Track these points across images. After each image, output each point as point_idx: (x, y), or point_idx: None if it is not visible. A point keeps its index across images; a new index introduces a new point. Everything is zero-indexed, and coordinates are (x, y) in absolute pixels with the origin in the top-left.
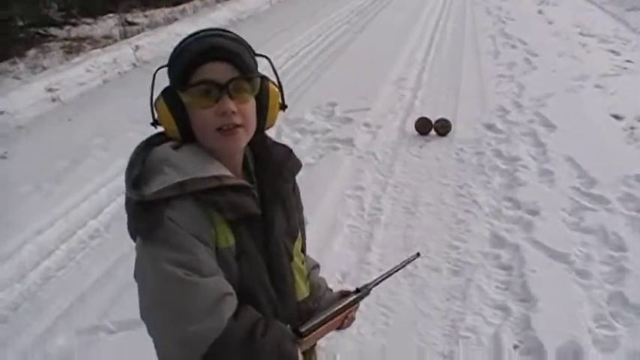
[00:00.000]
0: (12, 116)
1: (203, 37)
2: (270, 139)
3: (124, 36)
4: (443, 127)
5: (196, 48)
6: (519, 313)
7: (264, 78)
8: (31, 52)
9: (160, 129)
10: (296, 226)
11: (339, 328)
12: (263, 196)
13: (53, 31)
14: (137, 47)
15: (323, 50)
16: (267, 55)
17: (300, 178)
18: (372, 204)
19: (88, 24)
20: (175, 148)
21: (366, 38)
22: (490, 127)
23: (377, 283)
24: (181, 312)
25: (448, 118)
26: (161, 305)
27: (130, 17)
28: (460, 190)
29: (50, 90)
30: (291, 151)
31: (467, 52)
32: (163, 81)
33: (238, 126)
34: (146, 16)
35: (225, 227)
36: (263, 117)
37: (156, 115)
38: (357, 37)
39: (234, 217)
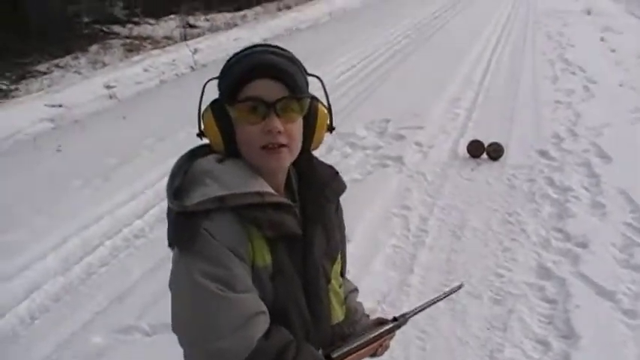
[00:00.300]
0: (69, 110)
1: (255, 53)
2: (317, 159)
3: (184, 38)
4: (495, 152)
5: (248, 63)
6: (560, 349)
7: (313, 98)
8: (94, 47)
9: (206, 140)
10: (336, 248)
11: (373, 355)
12: (304, 216)
13: (116, 28)
14: (196, 50)
15: (380, 65)
16: (322, 71)
17: (345, 193)
18: (418, 225)
19: (150, 24)
20: (219, 161)
21: (425, 55)
22: (543, 154)
23: (416, 313)
24: (211, 327)
25: (501, 142)
26: (192, 318)
27: (191, 20)
28: (509, 217)
29: (108, 87)
30: (337, 172)
31: (525, 76)
32: (214, 92)
33: (283, 145)
34: (207, 20)
35: (262, 245)
36: (309, 137)
37: (202, 127)
38: (416, 53)
39: (273, 235)
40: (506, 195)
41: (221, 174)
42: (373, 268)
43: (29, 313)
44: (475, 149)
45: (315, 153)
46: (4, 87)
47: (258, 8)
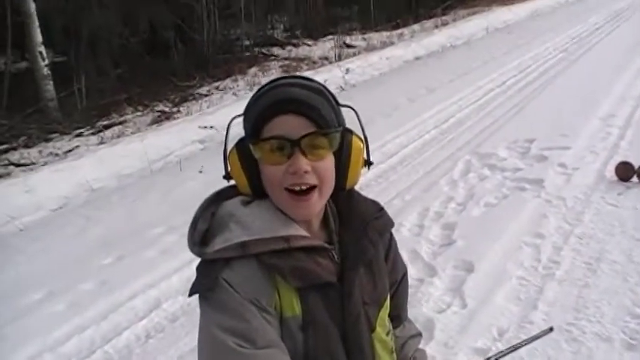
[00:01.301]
0: (219, 132)
1: (278, 87)
2: (358, 194)
3: (339, 58)
4: None
5: (268, 99)
6: None
7: (346, 131)
8: (252, 70)
9: (233, 182)
10: (383, 293)
11: None
12: (344, 259)
13: (275, 50)
14: (348, 70)
15: (531, 82)
16: (469, 89)
17: (476, 218)
18: (549, 256)
19: (308, 45)
20: (245, 203)
21: (580, 69)
22: None
23: None
24: None
25: None
26: None
27: (348, 40)
28: None
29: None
30: (381, 208)
31: None
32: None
33: (312, 188)
34: (364, 39)
35: (291, 293)
36: (343, 175)
37: (229, 168)
38: (571, 67)
39: (300, 284)
40: None
41: (245, 218)
42: (494, 301)
43: (145, 332)
44: (624, 172)
45: (452, 173)
46: (166, 109)
47: (415, 26)
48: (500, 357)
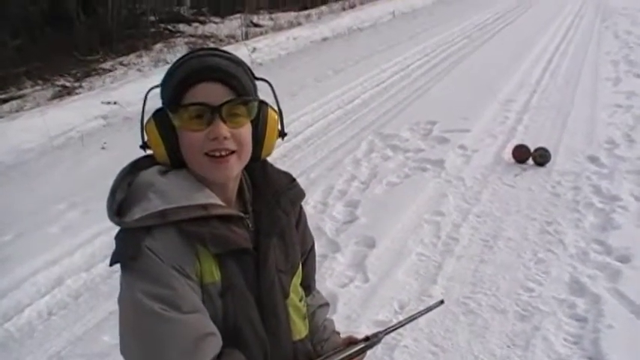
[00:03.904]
0: (123, 108)
1: (198, 57)
2: (272, 166)
3: (246, 37)
4: (541, 157)
5: (190, 67)
6: None
7: (262, 102)
8: (158, 46)
9: (149, 152)
10: (296, 261)
11: None
12: (258, 228)
13: (182, 27)
14: (254, 49)
15: (435, 65)
16: (373, 71)
17: (379, 197)
18: (449, 233)
19: (215, 23)
20: (162, 173)
21: (482, 55)
22: (594, 160)
23: (390, 331)
24: (156, 351)
25: (551, 146)
26: (137, 341)
27: (255, 19)
28: (547, 227)
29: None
30: (293, 180)
31: (584, 77)
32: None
33: (231, 153)
34: (272, 19)
35: (210, 260)
36: (259, 144)
37: (146, 138)
38: (473, 53)
39: (218, 251)
40: (547, 203)
41: (163, 187)
42: (395, 276)
43: (48, 309)
44: (521, 154)
45: (355, 153)
46: (68, 84)
47: (323, 7)
48: (395, 329)
